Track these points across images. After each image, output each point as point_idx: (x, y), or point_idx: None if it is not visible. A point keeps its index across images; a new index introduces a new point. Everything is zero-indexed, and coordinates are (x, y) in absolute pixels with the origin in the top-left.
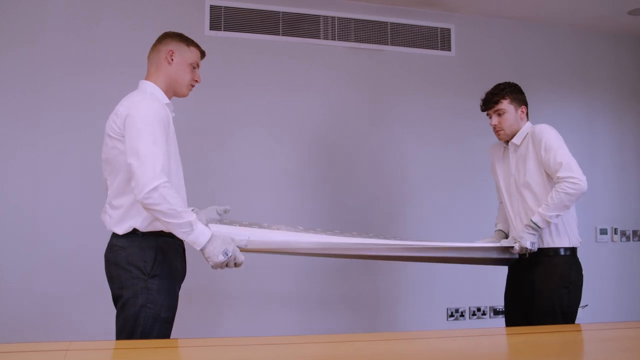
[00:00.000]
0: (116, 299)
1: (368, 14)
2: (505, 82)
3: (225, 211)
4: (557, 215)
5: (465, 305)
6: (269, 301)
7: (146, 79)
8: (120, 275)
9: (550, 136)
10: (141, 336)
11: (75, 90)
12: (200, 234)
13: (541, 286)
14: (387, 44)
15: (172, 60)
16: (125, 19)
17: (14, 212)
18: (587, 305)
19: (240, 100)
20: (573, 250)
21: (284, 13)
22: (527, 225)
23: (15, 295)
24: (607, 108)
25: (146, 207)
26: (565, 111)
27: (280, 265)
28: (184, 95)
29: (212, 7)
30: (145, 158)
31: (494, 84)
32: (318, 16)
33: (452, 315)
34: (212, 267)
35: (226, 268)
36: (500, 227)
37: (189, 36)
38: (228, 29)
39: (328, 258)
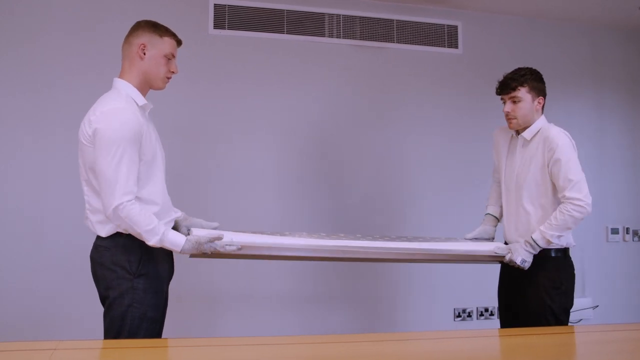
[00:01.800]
0: (103, 299)
1: (373, 11)
2: (527, 68)
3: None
4: (559, 236)
5: (472, 305)
6: (270, 302)
7: (120, 76)
8: (105, 275)
9: (565, 148)
10: (128, 336)
11: (76, 90)
12: (170, 245)
13: (532, 288)
14: (393, 41)
15: (144, 54)
16: (127, 18)
17: (14, 212)
18: (597, 306)
19: (244, 99)
20: (565, 251)
21: (289, 11)
22: (527, 242)
23: (17, 295)
24: (618, 106)
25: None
26: (575, 109)
27: (280, 264)
28: (160, 89)
29: (216, 6)
30: (108, 180)
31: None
32: (323, 14)
33: (459, 316)
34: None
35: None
36: (491, 210)
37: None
38: (232, 27)
39: None
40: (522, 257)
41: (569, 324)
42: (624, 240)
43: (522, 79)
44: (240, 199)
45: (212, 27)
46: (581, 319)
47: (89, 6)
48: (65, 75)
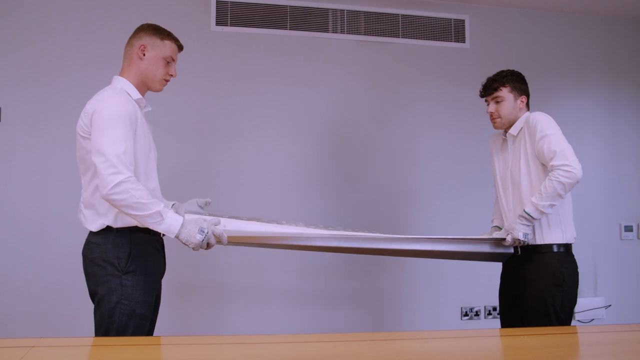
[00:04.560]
0: (93, 296)
1: (378, 5)
2: (508, 70)
3: (206, 203)
4: (551, 205)
5: (480, 304)
6: (274, 299)
7: (120, 74)
8: (95, 272)
9: (544, 123)
10: (116, 333)
11: (80, 88)
12: (172, 221)
13: (532, 285)
14: (398, 36)
15: (143, 55)
16: (129, 16)
17: (16, 211)
18: (610, 306)
19: (246, 96)
20: (567, 246)
21: (292, 7)
22: (520, 216)
23: (17, 293)
24: (632, 101)
25: (112, 204)
26: (587, 104)
27: (286, 261)
28: (157, 91)
29: (218, 3)
30: (108, 156)
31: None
32: (326, 9)
33: (466, 315)
34: (193, 249)
35: (209, 248)
36: (496, 223)
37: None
38: (235, 24)
39: (334, 253)
40: (523, 231)
41: (581, 323)
42: (638, 238)
43: (503, 80)
44: (246, 197)
45: (214, 24)
46: (593, 319)
47: (90, 4)
48: (69, 74)
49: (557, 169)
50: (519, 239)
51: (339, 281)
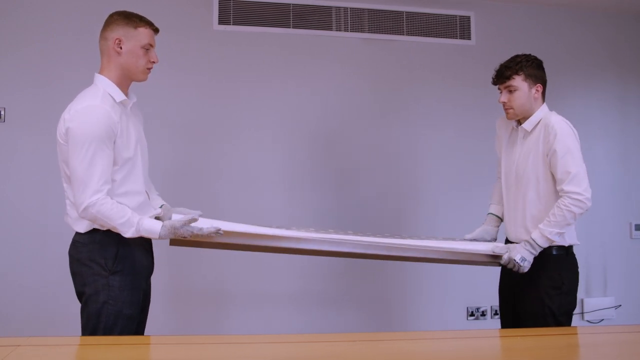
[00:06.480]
0: (79, 296)
1: (382, 3)
2: (524, 55)
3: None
4: (559, 233)
5: (486, 304)
6: (276, 300)
7: (100, 71)
8: (82, 271)
9: (564, 137)
10: (103, 333)
11: (80, 88)
12: (146, 234)
13: (531, 287)
14: (402, 34)
15: (120, 48)
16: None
17: (21, 210)
18: (620, 306)
19: (250, 95)
20: (568, 249)
21: (295, 5)
22: (526, 242)
23: (16, 292)
24: None
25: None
26: (595, 102)
27: (288, 263)
28: (141, 80)
29: (220, 1)
30: (79, 179)
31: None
32: (330, 7)
33: (472, 315)
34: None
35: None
36: (493, 209)
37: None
38: (237, 22)
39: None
40: (522, 254)
41: (590, 324)
42: None
43: (516, 67)
44: (246, 196)
45: (217, 22)
46: (603, 319)
47: (90, 4)
48: (71, 73)
49: (568, 197)
50: (516, 262)
51: (342, 282)
